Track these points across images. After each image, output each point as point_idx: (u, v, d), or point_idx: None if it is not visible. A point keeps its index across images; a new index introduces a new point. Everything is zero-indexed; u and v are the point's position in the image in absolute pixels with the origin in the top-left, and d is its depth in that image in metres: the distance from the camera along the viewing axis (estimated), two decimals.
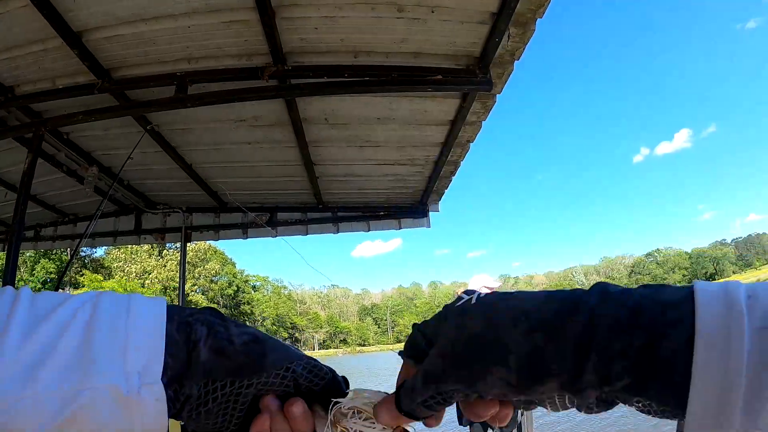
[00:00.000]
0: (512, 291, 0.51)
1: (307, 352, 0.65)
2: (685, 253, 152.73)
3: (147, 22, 3.21)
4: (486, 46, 3.29)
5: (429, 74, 3.49)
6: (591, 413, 0.48)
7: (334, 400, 0.58)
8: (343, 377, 0.63)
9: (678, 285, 0.43)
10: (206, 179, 5.65)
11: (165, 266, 73.36)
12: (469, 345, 0.48)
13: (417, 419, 0.55)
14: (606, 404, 0.47)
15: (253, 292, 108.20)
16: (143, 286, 68.24)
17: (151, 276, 72.10)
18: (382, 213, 6.39)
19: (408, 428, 0.57)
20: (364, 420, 0.57)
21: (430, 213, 6.31)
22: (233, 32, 3.30)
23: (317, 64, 3.54)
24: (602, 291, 0.46)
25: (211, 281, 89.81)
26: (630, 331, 0.41)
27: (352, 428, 0.57)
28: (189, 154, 5.05)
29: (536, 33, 3.13)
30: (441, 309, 0.56)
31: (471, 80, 3.49)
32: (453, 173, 5.42)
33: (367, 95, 3.92)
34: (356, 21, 3.19)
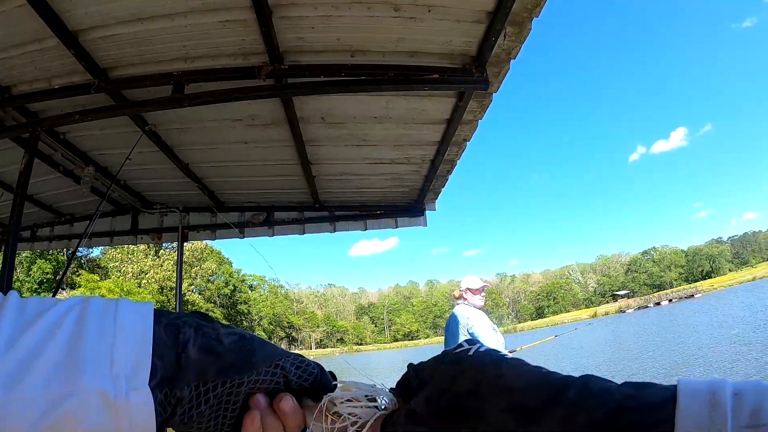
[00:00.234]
0: (510, 358, 0.51)
1: (304, 351, 0.66)
2: (682, 251, 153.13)
3: (143, 21, 3.21)
4: (482, 45, 3.30)
5: (425, 73, 3.49)
6: None
7: (326, 396, 0.59)
8: (331, 372, 0.64)
9: (662, 385, 0.43)
10: (203, 179, 5.65)
11: (162, 266, 73.14)
12: (452, 403, 0.50)
13: None
14: None
15: (249, 292, 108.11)
16: (140, 286, 68.01)
17: (147, 276, 71.84)
18: (378, 212, 6.39)
19: None
20: (354, 406, 0.58)
21: (427, 212, 6.31)
22: (230, 31, 3.30)
23: (314, 63, 3.54)
24: (585, 386, 0.45)
25: (208, 281, 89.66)
26: None
27: (344, 412, 0.57)
28: (185, 153, 5.05)
29: (532, 32, 3.15)
30: (439, 354, 0.57)
31: (467, 79, 3.50)
32: (449, 172, 5.42)
33: (364, 94, 3.93)
34: (353, 20, 3.19)
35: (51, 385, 0.45)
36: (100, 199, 5.00)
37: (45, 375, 0.45)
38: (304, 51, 3.49)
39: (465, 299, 5.05)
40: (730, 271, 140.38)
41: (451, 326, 4.97)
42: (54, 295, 5.15)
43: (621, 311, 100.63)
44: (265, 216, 6.43)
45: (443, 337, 5.27)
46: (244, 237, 6.55)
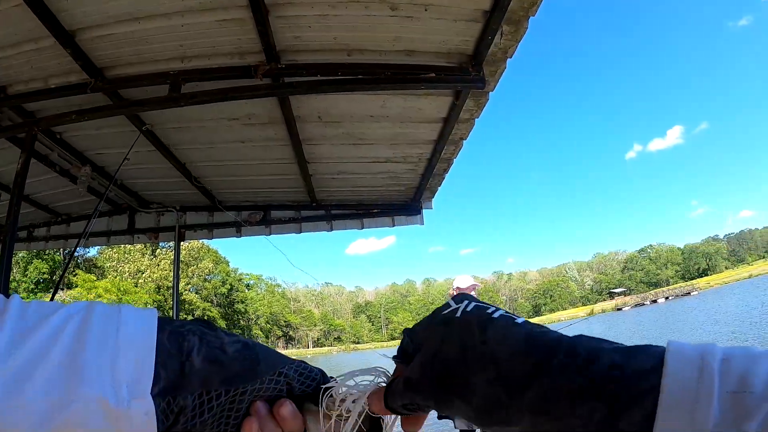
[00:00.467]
0: (496, 317, 0.51)
1: (302, 350, 0.66)
2: (678, 248, 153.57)
3: (140, 21, 3.20)
4: (479, 44, 3.31)
5: (422, 72, 3.50)
6: None
7: (324, 386, 0.60)
8: (332, 377, 0.65)
9: (653, 349, 0.42)
10: (200, 178, 5.64)
11: (158, 265, 73.03)
12: (442, 370, 0.50)
13: (402, 415, 0.57)
14: None
15: (246, 291, 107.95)
16: (137, 286, 67.91)
17: (144, 275, 71.75)
18: (375, 210, 6.40)
19: None
20: (353, 402, 0.58)
21: (424, 210, 6.32)
22: (227, 31, 3.30)
23: (310, 62, 3.54)
24: (572, 350, 0.44)
25: (205, 280, 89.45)
26: (590, 404, 0.41)
27: (348, 408, 0.58)
28: (182, 152, 5.04)
29: (529, 31, 3.16)
30: (430, 313, 0.58)
31: (464, 78, 3.51)
32: (446, 171, 5.43)
33: (361, 93, 3.93)
34: (349, 19, 3.20)
35: (51, 392, 0.45)
36: (97, 199, 5.00)
37: (46, 381, 0.45)
38: (300, 50, 3.49)
39: None
40: (726, 268, 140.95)
41: None
42: (53, 296, 5.15)
43: (618, 309, 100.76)
44: (262, 215, 6.44)
45: None
46: (241, 236, 6.56)
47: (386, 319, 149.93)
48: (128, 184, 5.88)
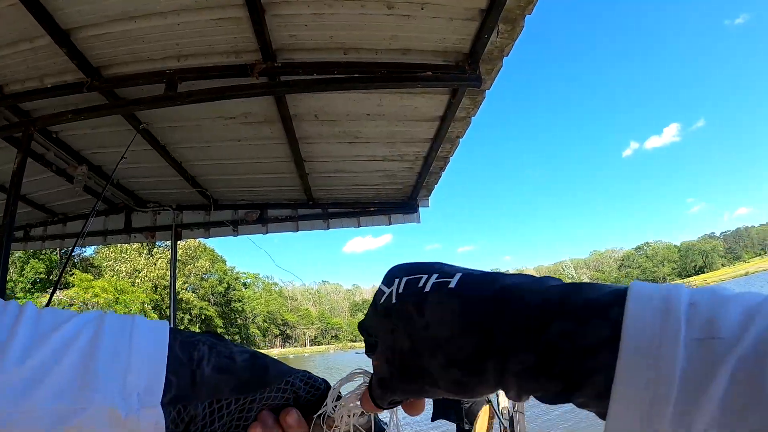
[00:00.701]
0: (428, 291, 0.48)
1: (299, 349, 0.66)
2: (675, 246, 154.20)
3: (136, 19, 3.20)
4: (475, 42, 3.32)
5: (418, 70, 3.50)
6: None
7: (315, 415, 0.61)
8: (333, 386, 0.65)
9: (612, 292, 0.39)
10: (196, 177, 5.64)
11: (155, 265, 72.80)
12: (402, 365, 0.49)
13: (397, 407, 0.57)
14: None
15: (243, 290, 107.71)
16: (133, 285, 67.71)
17: (141, 275, 71.51)
18: (372, 209, 6.40)
19: None
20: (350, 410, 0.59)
21: (420, 208, 6.32)
22: (223, 29, 3.30)
23: (307, 61, 3.55)
24: (514, 319, 0.42)
25: (202, 279, 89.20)
26: (546, 381, 0.40)
27: (347, 414, 0.59)
28: (179, 151, 5.04)
29: (525, 29, 3.16)
30: (371, 302, 0.55)
31: (460, 76, 3.51)
32: (443, 169, 5.44)
33: (357, 92, 3.93)
34: (346, 18, 3.20)
35: (61, 400, 0.46)
36: (94, 198, 5.00)
37: (56, 389, 0.46)
38: (297, 49, 3.50)
39: None
40: (722, 266, 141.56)
41: None
42: (51, 296, 5.14)
43: None
44: (258, 213, 6.44)
45: None
46: (237, 235, 6.55)
47: None
48: (125, 183, 5.88)
